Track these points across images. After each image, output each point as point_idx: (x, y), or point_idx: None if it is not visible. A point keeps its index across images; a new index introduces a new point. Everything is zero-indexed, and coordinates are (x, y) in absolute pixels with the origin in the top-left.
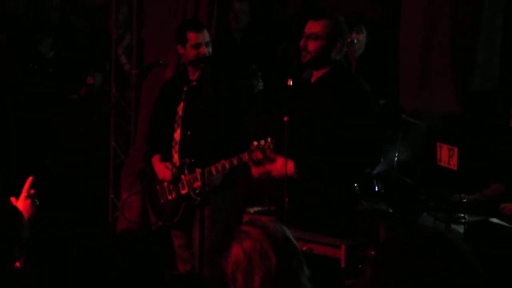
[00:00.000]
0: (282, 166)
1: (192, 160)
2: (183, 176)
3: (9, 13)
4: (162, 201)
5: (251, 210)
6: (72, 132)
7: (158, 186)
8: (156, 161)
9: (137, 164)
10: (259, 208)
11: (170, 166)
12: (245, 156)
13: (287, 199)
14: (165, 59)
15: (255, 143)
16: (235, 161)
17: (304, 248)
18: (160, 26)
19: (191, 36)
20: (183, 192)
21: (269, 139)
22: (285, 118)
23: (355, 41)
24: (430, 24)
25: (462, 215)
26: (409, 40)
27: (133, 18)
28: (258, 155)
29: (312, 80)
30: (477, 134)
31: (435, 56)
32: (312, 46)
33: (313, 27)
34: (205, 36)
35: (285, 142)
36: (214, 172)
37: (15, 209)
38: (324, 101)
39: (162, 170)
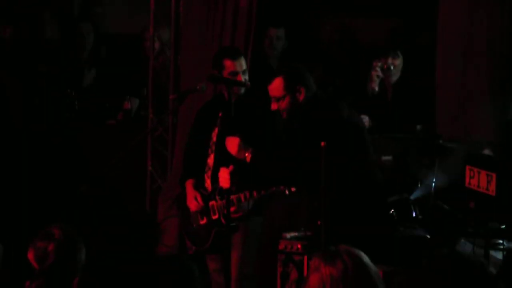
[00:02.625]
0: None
1: (223, 187)
2: (214, 202)
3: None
4: (194, 225)
5: (288, 235)
6: (110, 157)
7: (191, 211)
8: (189, 187)
9: (174, 189)
10: (296, 234)
11: (199, 197)
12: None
13: (319, 222)
14: (201, 85)
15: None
16: (263, 190)
17: None
18: (197, 52)
19: (228, 63)
20: (214, 217)
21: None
22: (322, 144)
23: (392, 67)
24: (467, 50)
25: (501, 241)
26: (446, 66)
27: (171, 44)
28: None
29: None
30: None
31: (473, 83)
32: (281, 106)
33: (271, 91)
34: (242, 64)
35: (322, 168)
36: (242, 199)
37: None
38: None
39: (190, 199)
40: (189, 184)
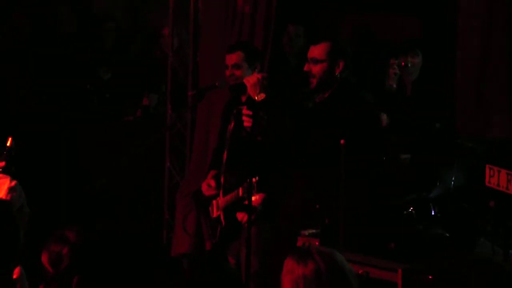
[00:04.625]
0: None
1: (226, 185)
2: (219, 199)
3: (62, 31)
4: (212, 219)
5: (306, 232)
6: (128, 153)
7: (210, 206)
8: (209, 175)
9: (192, 186)
10: (313, 231)
11: (212, 184)
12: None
13: (327, 220)
14: (220, 82)
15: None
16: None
17: (360, 272)
18: (215, 48)
19: (226, 57)
20: (217, 213)
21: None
22: (342, 141)
23: (409, 64)
24: (486, 49)
25: None
26: (465, 65)
27: (190, 41)
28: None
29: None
30: None
31: (492, 81)
32: (314, 70)
33: (313, 51)
34: (232, 58)
35: (341, 166)
36: (240, 193)
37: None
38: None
39: (204, 184)
40: (210, 174)
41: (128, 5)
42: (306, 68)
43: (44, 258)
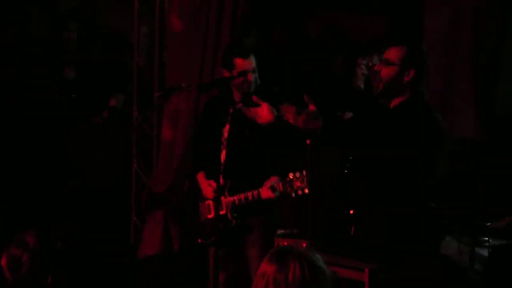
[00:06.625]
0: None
1: (233, 183)
2: (223, 198)
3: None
4: (202, 219)
5: (278, 232)
6: (95, 154)
7: (200, 204)
8: (201, 178)
9: (160, 187)
10: (283, 231)
11: (213, 184)
12: (280, 186)
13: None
14: (187, 83)
15: (291, 174)
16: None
17: None
18: (182, 48)
19: (238, 62)
20: (221, 213)
21: (304, 172)
22: (308, 141)
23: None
24: (452, 48)
25: (487, 238)
26: (431, 64)
27: (155, 40)
28: (294, 186)
29: (391, 105)
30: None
31: (458, 80)
32: (383, 73)
33: (389, 53)
34: (252, 62)
35: (308, 166)
36: (250, 198)
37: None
38: (399, 131)
39: (205, 187)
40: (200, 176)
41: (94, 4)
42: (377, 67)
43: (3, 261)
